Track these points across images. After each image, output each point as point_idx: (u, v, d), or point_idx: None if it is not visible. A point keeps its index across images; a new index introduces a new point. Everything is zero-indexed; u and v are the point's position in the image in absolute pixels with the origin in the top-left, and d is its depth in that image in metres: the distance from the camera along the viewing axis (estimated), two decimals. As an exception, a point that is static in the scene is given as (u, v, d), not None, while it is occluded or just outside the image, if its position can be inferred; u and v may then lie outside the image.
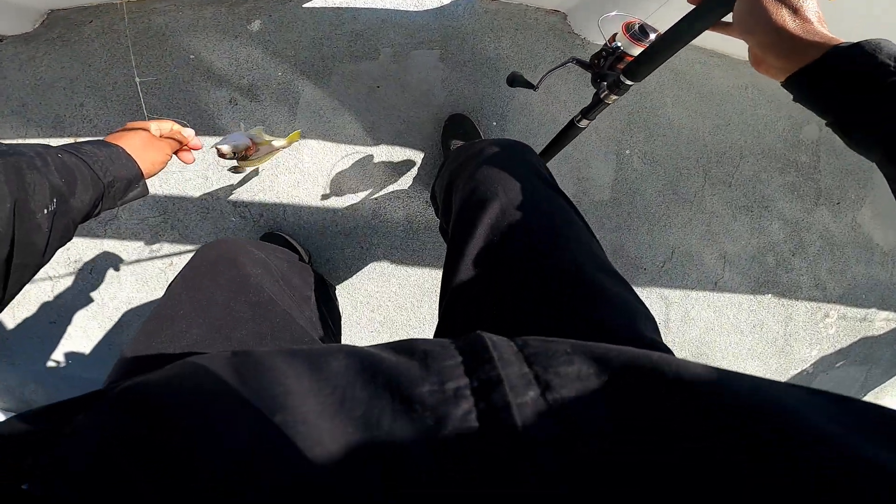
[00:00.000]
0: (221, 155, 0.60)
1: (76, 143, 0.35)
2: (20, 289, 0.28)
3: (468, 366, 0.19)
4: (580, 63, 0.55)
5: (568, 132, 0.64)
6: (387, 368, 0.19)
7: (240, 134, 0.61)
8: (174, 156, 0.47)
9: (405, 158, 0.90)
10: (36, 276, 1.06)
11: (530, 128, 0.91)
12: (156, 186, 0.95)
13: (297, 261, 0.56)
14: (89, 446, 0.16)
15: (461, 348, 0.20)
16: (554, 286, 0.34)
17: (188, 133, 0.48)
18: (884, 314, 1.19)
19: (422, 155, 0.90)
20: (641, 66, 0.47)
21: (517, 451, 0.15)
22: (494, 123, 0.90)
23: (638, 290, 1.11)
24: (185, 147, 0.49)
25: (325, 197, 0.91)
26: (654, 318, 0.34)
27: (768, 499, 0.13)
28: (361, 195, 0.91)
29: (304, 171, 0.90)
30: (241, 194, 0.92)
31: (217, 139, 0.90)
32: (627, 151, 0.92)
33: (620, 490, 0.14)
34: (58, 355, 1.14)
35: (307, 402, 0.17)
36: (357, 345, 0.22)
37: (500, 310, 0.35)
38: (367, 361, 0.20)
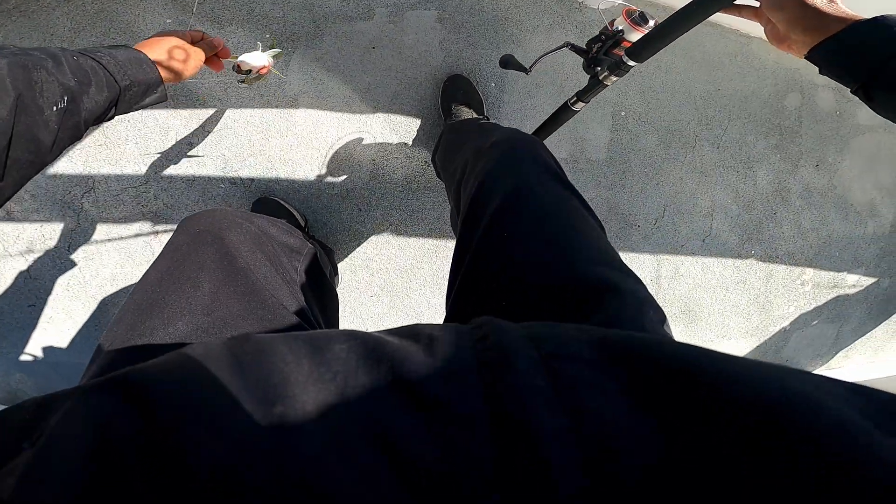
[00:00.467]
0: (239, 70, 0.60)
1: (97, 46, 0.34)
2: (20, 186, 0.28)
3: (475, 351, 0.18)
4: (575, 48, 0.56)
5: (561, 115, 0.64)
6: (390, 353, 0.19)
7: (259, 54, 0.61)
8: (205, 64, 0.48)
9: (402, 120, 0.89)
10: (9, 255, 1.00)
11: (529, 90, 0.91)
12: (136, 153, 0.91)
13: (293, 230, 0.54)
14: (80, 444, 0.15)
15: (468, 332, 0.20)
16: (558, 283, 0.34)
17: (218, 42, 0.49)
18: (855, 275, 1.27)
19: (419, 116, 0.89)
20: (647, 47, 0.48)
21: (527, 445, 0.15)
22: (493, 85, 0.89)
23: (631, 247, 1.13)
24: (216, 54, 0.50)
25: (319, 160, 0.89)
26: (661, 310, 0.34)
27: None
28: (358, 157, 0.89)
29: (297, 134, 0.88)
30: (231, 158, 0.89)
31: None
32: (623, 113, 0.93)
33: (632, 479, 0.14)
34: (41, 341, 1.09)
35: (307, 390, 0.16)
36: (359, 329, 0.22)
37: (508, 304, 0.34)
38: (370, 346, 0.19)
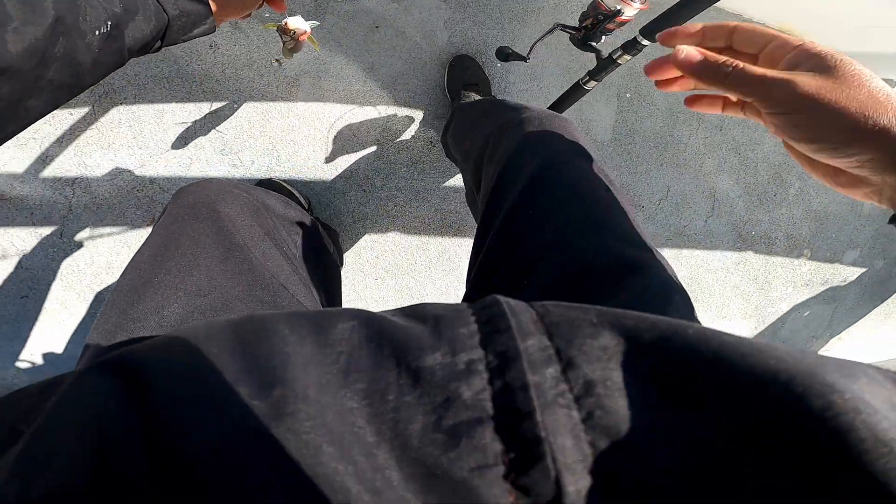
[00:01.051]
0: (283, 31, 0.57)
1: None
2: (54, 108, 0.28)
3: (483, 335, 0.17)
4: (565, 28, 0.55)
5: (573, 94, 0.64)
6: (395, 334, 0.18)
7: (301, 19, 0.58)
8: (266, 3, 0.46)
9: (407, 100, 0.87)
10: None
11: (535, 71, 0.90)
12: (129, 136, 0.88)
13: (291, 202, 0.52)
14: (79, 435, 0.14)
15: (476, 314, 0.19)
16: (581, 262, 0.33)
17: None
18: (850, 256, 1.29)
19: (425, 96, 0.88)
20: (662, 25, 0.47)
21: (532, 441, 0.14)
22: (499, 66, 0.89)
23: None
24: None
25: (322, 141, 0.88)
26: (687, 295, 0.32)
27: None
28: (362, 138, 0.88)
29: (298, 115, 0.86)
30: (231, 140, 0.87)
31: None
32: (628, 95, 0.94)
33: (647, 475, 0.13)
34: (36, 334, 1.06)
35: (309, 373, 0.16)
36: (364, 309, 0.21)
37: (530, 283, 0.33)
38: (375, 326, 0.18)
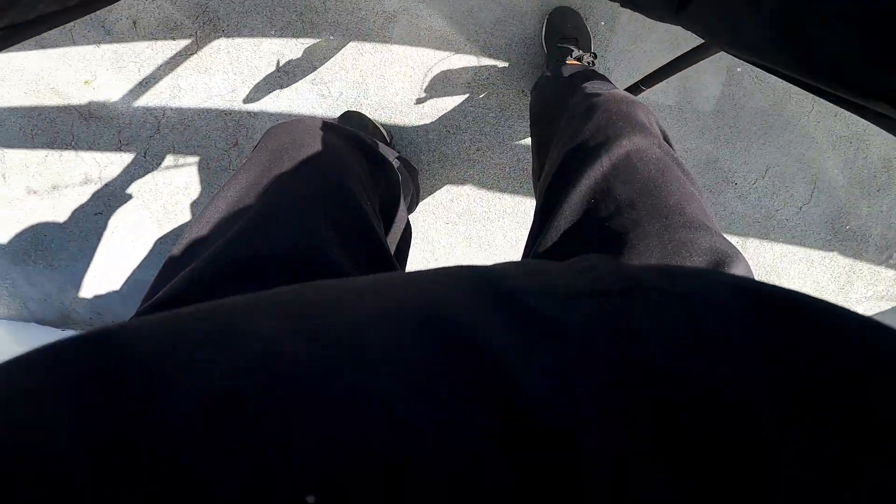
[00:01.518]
0: None
1: None
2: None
3: (592, 282, 0.15)
4: None
5: (694, 55, 0.57)
6: (490, 272, 0.16)
7: None
8: None
9: (503, 46, 0.86)
10: (81, 160, 1.01)
11: (640, 33, 0.87)
12: (226, 62, 0.91)
13: (382, 149, 0.49)
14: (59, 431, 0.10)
15: (581, 269, 0.17)
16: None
17: None
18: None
19: (522, 45, 0.86)
20: None
21: (662, 401, 0.11)
22: (602, 23, 0.87)
23: (724, 204, 1.07)
24: None
25: (413, 78, 0.88)
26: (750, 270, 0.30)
27: None
28: (453, 79, 0.87)
29: (392, 51, 0.86)
30: (322, 70, 0.89)
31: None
32: (739, 69, 0.90)
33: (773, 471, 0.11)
34: (103, 254, 1.08)
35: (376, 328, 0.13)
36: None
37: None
38: (465, 270, 0.16)
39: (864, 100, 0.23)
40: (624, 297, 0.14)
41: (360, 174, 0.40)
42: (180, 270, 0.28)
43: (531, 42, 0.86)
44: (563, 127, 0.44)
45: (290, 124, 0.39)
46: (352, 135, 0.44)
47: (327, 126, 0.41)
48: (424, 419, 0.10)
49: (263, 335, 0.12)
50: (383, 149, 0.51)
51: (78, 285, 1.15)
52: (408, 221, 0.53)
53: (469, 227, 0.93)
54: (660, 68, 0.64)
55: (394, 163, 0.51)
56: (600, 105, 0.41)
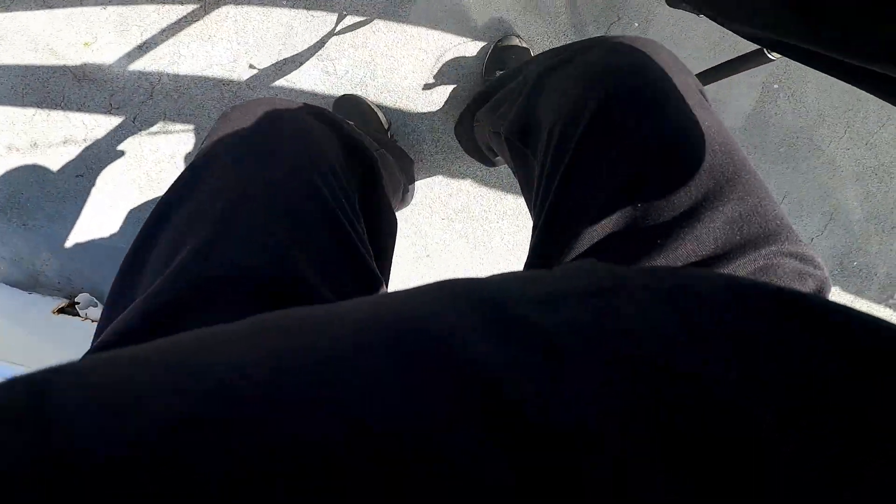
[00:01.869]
0: None
1: None
2: None
3: (587, 280, 0.16)
4: None
5: (746, 61, 0.52)
6: (482, 285, 0.16)
7: None
8: None
9: (523, 30, 0.83)
10: (69, 121, 0.96)
11: (676, 38, 0.83)
12: (231, 31, 0.87)
13: (358, 133, 0.44)
14: None
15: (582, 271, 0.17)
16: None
17: None
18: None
19: (541, 35, 0.83)
20: None
21: (655, 401, 0.11)
22: (636, 25, 0.84)
23: None
24: None
25: (423, 61, 0.83)
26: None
27: None
28: (466, 65, 0.84)
29: (406, 31, 0.83)
30: (330, 46, 0.85)
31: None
32: (776, 86, 0.87)
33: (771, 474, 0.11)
34: (80, 217, 1.03)
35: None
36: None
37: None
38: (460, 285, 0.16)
39: (873, 63, 0.23)
40: (609, 297, 0.14)
41: (334, 165, 0.35)
42: (130, 294, 0.27)
43: (555, 31, 0.82)
44: (581, 80, 0.38)
45: (248, 107, 0.34)
46: (321, 115, 0.39)
47: (294, 109, 0.36)
48: (422, 418, 0.11)
49: (222, 366, 0.12)
50: (361, 136, 0.46)
51: (51, 248, 1.09)
52: (393, 215, 0.48)
53: (466, 224, 0.88)
54: (723, 63, 0.58)
55: (374, 156, 0.45)
56: (618, 72, 0.36)
